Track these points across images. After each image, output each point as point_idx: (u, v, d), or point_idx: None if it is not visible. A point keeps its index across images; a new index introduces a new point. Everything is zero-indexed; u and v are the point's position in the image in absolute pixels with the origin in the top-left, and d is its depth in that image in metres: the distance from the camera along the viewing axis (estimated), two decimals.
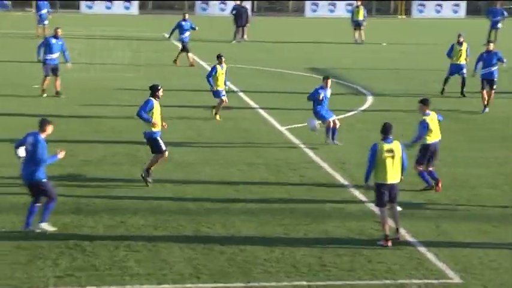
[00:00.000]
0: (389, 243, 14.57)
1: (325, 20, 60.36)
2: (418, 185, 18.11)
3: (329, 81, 21.89)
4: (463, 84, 28.99)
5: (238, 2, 46.83)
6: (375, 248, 14.45)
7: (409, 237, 15.02)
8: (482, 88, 26.57)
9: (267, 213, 16.19)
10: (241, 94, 28.80)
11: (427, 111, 17.60)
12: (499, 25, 45.61)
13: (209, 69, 25.31)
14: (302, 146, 21.62)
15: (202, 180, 18.25)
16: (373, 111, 26.16)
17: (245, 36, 45.91)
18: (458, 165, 20.03)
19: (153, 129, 17.90)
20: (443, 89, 29.19)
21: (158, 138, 17.96)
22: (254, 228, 15.41)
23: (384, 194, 14.71)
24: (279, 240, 14.81)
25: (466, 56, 29.30)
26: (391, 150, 14.72)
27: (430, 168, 17.89)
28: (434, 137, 17.70)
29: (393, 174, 14.73)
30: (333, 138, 21.64)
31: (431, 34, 51.33)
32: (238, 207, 16.55)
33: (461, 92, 29.01)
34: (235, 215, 16.09)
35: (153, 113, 17.83)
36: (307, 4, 65.13)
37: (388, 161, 14.67)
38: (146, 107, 17.80)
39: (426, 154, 17.71)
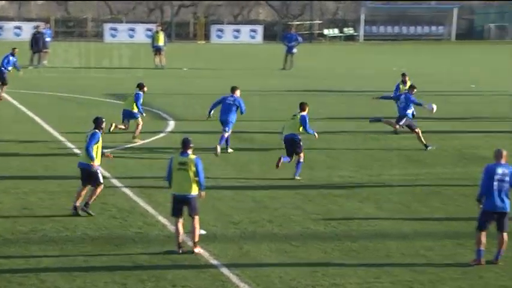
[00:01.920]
0: (181, 251, 15.23)
1: (124, 45, 60.18)
2: (221, 208, 18.32)
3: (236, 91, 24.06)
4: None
5: (42, 27, 45.82)
6: (179, 271, 14.44)
7: (212, 259, 15.12)
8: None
9: (69, 242, 15.82)
10: (40, 121, 28.14)
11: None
12: (294, 50, 47.08)
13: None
14: (104, 173, 21.33)
15: (1, 209, 17.62)
16: (175, 135, 26.22)
17: (44, 62, 44.97)
18: (260, 188, 20.40)
19: (97, 163, 17.55)
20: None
21: (98, 170, 17.65)
22: (55, 257, 15.01)
23: (176, 204, 15.38)
24: (81, 268, 14.50)
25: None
26: (184, 163, 15.31)
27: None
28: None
29: (185, 187, 15.31)
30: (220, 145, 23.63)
31: (230, 59, 52.30)
32: (38, 237, 16.09)
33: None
34: (36, 244, 15.63)
35: (98, 146, 17.55)
36: (106, 29, 64.79)
37: (181, 174, 15.30)
38: (94, 141, 17.43)
39: None
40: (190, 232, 15.61)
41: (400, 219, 17.90)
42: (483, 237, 15.06)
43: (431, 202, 19.28)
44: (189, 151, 15.55)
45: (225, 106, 23.99)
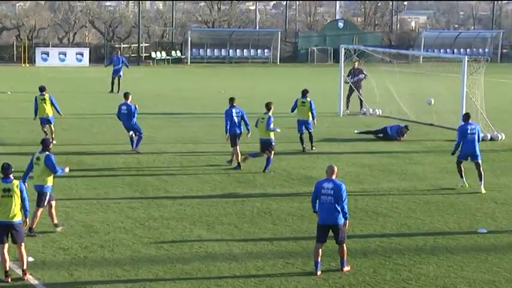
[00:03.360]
0: (9, 279, 14.87)
1: None
2: (49, 234, 17.92)
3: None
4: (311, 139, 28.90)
5: None
6: None
7: (41, 287, 14.77)
8: None
9: None
10: None
11: None
12: (121, 73, 46.80)
13: None
14: None
15: None
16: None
17: None
18: (90, 212, 20.08)
19: (49, 184, 17.73)
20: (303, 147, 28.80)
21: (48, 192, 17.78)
22: None
23: (2, 231, 15.05)
24: None
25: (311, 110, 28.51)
26: (8, 190, 15.16)
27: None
28: None
29: (11, 213, 15.10)
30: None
31: (56, 82, 51.35)
32: None
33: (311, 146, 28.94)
34: None
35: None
36: None
37: (6, 200, 15.11)
38: (54, 160, 17.77)
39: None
40: (18, 260, 15.21)
41: (232, 241, 18.06)
42: (319, 249, 15.65)
43: (262, 222, 19.57)
44: (11, 176, 15.39)
45: (122, 115, 27.40)
